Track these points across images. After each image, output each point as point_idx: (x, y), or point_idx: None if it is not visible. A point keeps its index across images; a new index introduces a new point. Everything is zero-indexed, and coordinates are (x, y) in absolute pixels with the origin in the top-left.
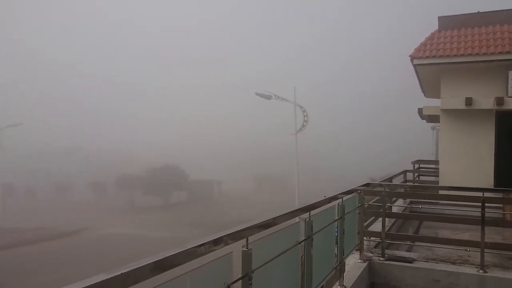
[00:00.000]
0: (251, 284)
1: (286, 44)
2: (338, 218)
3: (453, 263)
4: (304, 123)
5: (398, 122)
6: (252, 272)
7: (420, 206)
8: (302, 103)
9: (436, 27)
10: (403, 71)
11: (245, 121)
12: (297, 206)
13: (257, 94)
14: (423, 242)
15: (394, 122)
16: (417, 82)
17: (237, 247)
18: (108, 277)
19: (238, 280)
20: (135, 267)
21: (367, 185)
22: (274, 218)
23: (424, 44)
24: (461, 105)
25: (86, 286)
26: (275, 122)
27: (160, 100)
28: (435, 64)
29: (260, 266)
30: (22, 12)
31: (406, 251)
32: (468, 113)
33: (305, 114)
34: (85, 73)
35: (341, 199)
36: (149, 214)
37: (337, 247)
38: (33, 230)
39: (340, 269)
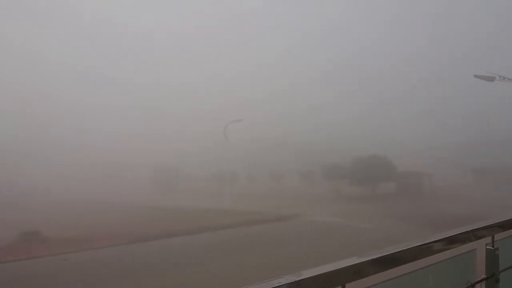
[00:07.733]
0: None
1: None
2: None
3: None
4: None
5: None
6: (500, 273)
7: None
8: None
9: None
10: None
11: (460, 107)
12: None
13: (476, 76)
14: None
15: None
16: None
17: (472, 246)
18: (359, 261)
19: (482, 280)
20: (375, 256)
21: None
22: None
23: None
24: None
25: (351, 265)
26: (499, 106)
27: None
28: None
29: (508, 268)
30: None
31: None
32: None
33: None
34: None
35: None
36: (354, 205)
37: None
38: (254, 212)
39: None
